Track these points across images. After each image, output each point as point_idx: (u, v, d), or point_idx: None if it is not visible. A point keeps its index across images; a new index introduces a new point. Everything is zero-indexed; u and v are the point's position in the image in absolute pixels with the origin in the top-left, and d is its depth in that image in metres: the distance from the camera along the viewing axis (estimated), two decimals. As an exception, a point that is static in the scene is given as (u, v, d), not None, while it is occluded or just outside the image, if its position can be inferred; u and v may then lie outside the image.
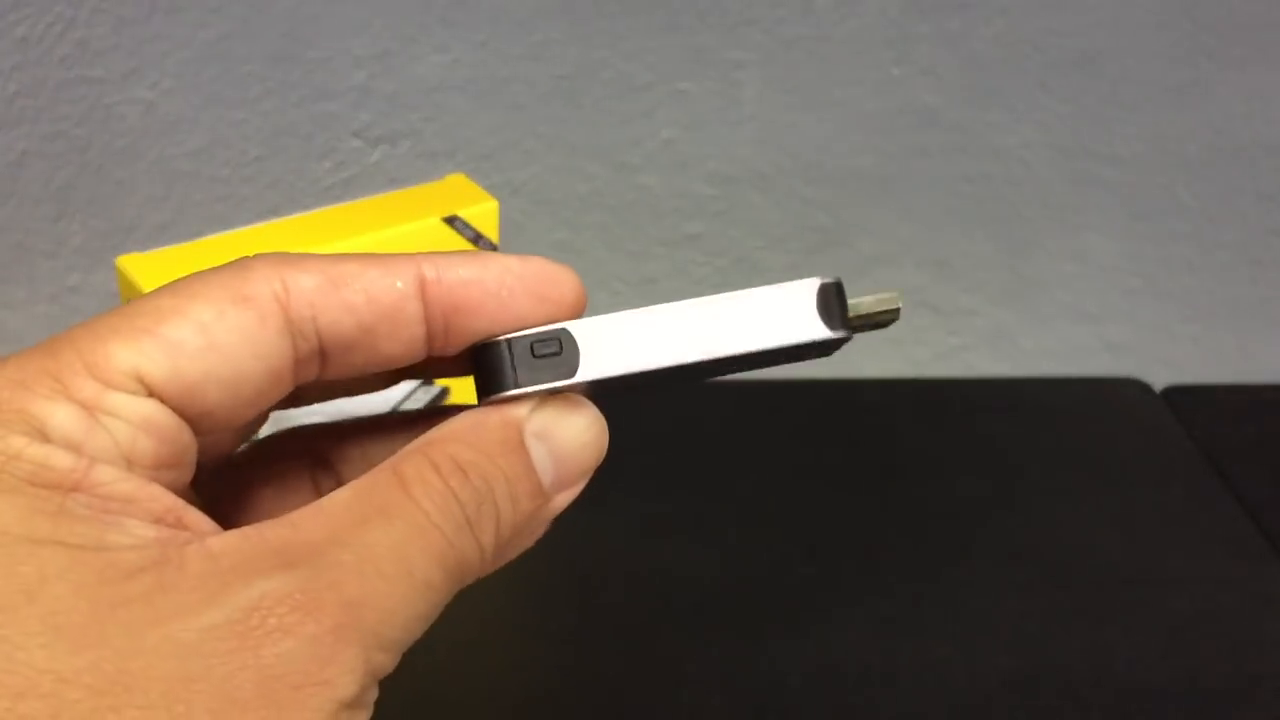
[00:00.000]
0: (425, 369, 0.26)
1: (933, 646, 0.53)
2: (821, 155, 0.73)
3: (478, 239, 0.53)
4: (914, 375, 0.78)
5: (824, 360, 0.28)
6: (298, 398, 0.26)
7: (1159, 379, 0.75)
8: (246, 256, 0.24)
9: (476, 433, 0.24)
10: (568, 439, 0.25)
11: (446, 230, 0.52)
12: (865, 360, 0.77)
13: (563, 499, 0.25)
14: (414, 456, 0.23)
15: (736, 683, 0.51)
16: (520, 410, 0.24)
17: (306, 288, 0.23)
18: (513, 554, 0.25)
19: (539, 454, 0.24)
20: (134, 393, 0.22)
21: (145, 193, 0.68)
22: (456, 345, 0.25)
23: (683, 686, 0.50)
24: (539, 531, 0.25)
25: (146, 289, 0.46)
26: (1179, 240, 0.77)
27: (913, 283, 0.77)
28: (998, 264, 0.77)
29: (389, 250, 0.53)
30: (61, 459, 0.21)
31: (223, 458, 0.27)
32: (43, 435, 0.21)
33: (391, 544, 0.22)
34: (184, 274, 0.47)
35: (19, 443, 0.20)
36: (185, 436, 0.23)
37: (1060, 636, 0.53)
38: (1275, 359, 0.80)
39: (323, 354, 0.24)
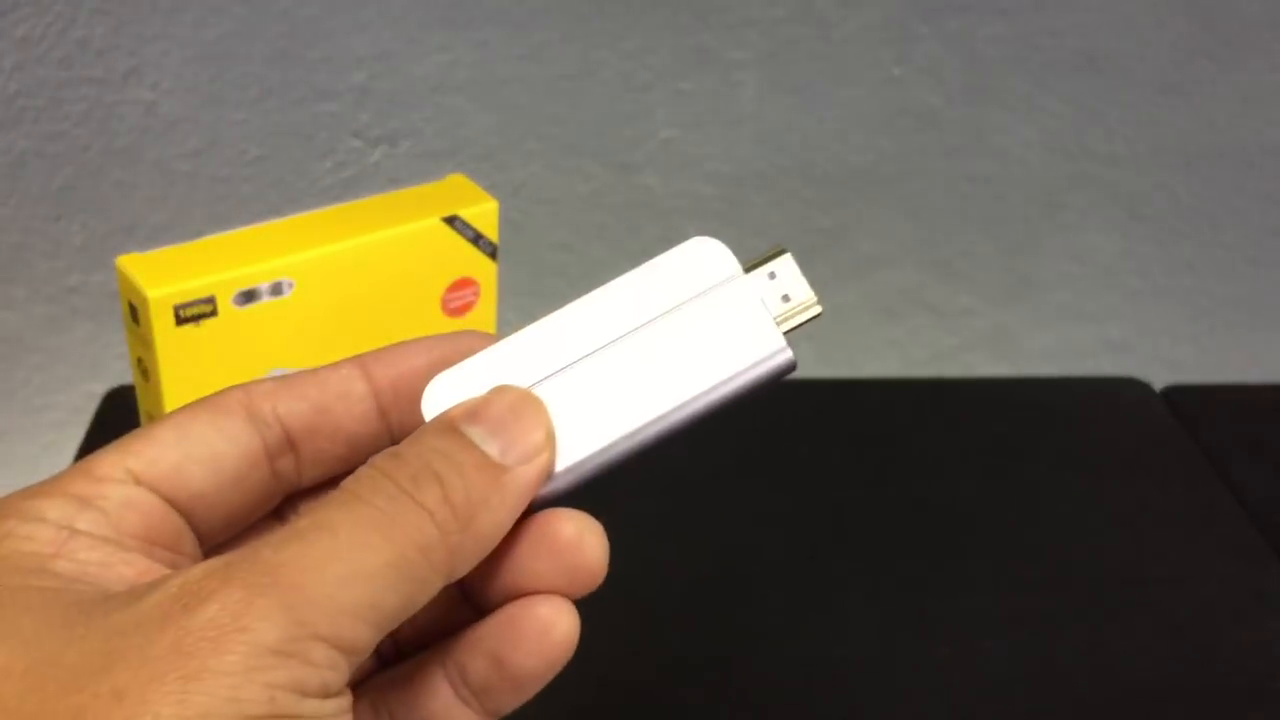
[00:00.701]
0: None
1: (932, 646, 0.53)
2: (821, 155, 0.73)
3: (478, 239, 0.53)
4: (914, 375, 0.78)
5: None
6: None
7: (1159, 379, 0.75)
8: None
9: (412, 436, 0.26)
10: (500, 410, 0.26)
11: (446, 230, 0.52)
12: (865, 360, 0.77)
13: (527, 470, 0.25)
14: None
15: (735, 682, 0.51)
16: (451, 411, 0.26)
17: (265, 388, 0.27)
18: (491, 528, 0.25)
19: (475, 433, 0.25)
20: (122, 482, 0.25)
21: (145, 193, 0.68)
22: (408, 410, 0.27)
23: (681, 685, 0.50)
24: (516, 503, 0.25)
25: (146, 289, 0.46)
26: (1179, 240, 0.77)
27: (913, 283, 0.77)
28: (998, 264, 0.77)
29: (391, 251, 0.53)
30: (45, 532, 0.24)
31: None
32: (38, 520, 0.24)
33: (313, 520, 0.23)
34: (184, 273, 0.47)
35: (10, 524, 0.24)
36: (175, 520, 0.26)
37: (1060, 636, 0.53)
38: (1275, 359, 0.80)
39: (291, 441, 0.27)
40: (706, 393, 0.27)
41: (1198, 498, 0.63)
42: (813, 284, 0.29)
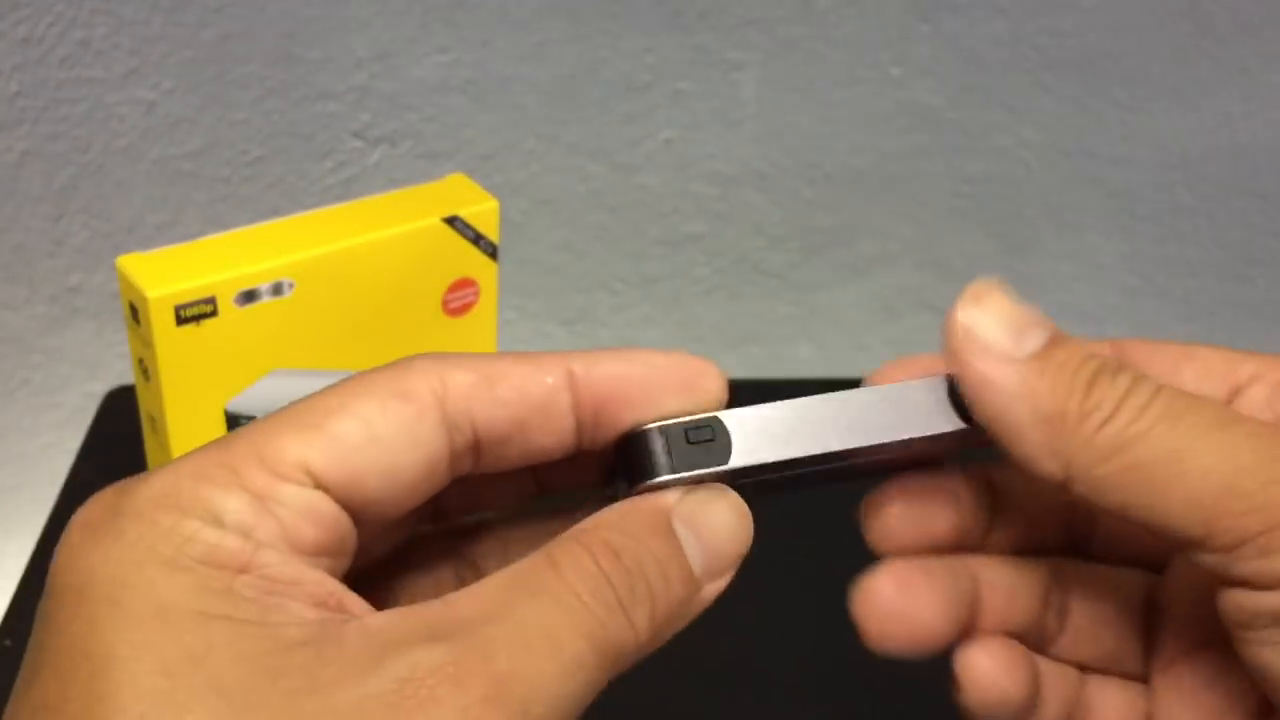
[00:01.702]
0: (571, 469, 0.28)
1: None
2: (821, 155, 0.73)
3: (478, 239, 0.53)
4: (914, 375, 0.78)
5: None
6: (444, 514, 0.29)
7: (1159, 379, 0.75)
8: (408, 356, 0.25)
9: (627, 520, 0.25)
10: (715, 526, 0.25)
11: (447, 230, 0.52)
12: (865, 360, 0.77)
13: (712, 589, 0.25)
14: (566, 543, 0.24)
15: (735, 680, 0.51)
16: (669, 498, 0.25)
17: (462, 384, 0.25)
18: (672, 634, 0.25)
19: (687, 540, 0.25)
20: (301, 483, 0.23)
21: (145, 193, 0.68)
22: (605, 437, 0.26)
23: (680, 683, 0.51)
24: (690, 617, 0.25)
25: (147, 289, 0.46)
26: (1179, 240, 0.77)
27: (913, 283, 0.77)
28: (998, 264, 0.77)
29: (391, 251, 0.53)
30: (231, 542, 0.22)
31: (375, 555, 0.28)
32: (217, 520, 0.22)
33: (541, 620, 0.22)
34: (184, 273, 0.47)
35: (193, 526, 0.22)
36: (346, 526, 0.24)
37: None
38: (1275, 359, 0.80)
39: (477, 447, 0.25)
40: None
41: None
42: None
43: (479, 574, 0.28)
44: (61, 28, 0.63)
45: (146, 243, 0.67)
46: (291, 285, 0.49)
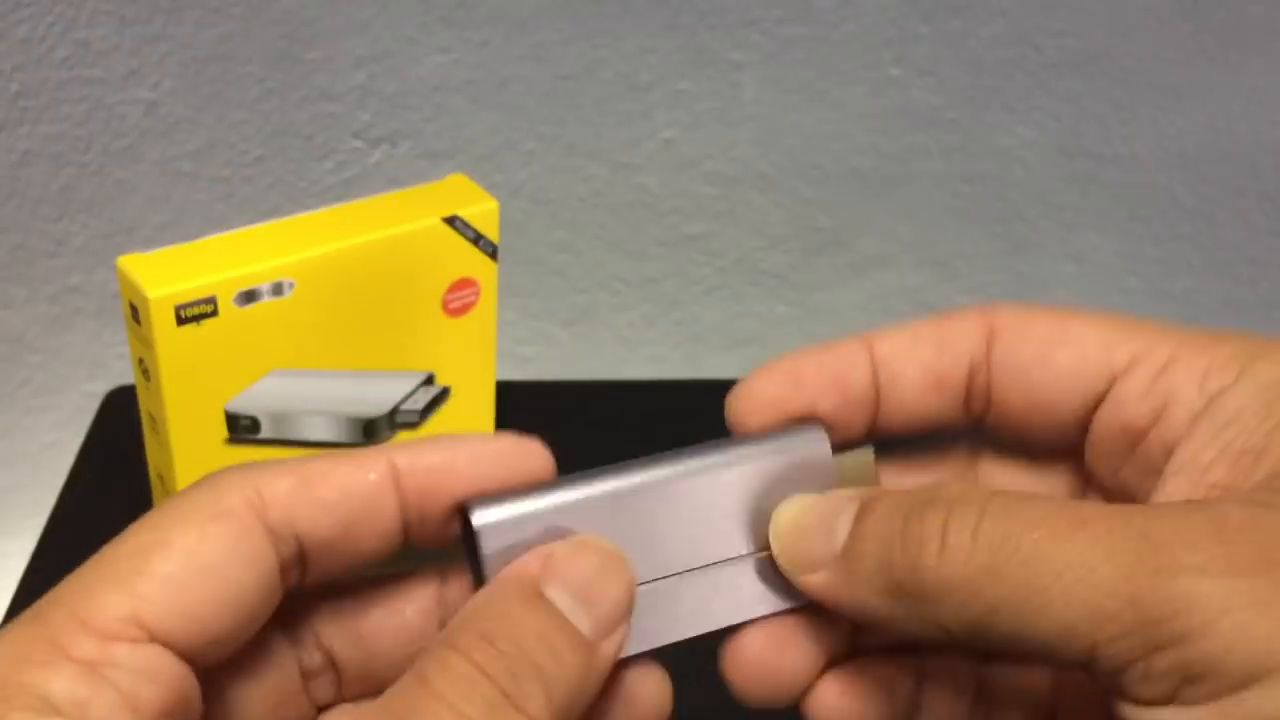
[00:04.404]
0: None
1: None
2: (821, 155, 0.73)
3: (478, 239, 0.53)
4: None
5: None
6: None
7: (1159, 379, 0.75)
8: (214, 472, 0.23)
9: (493, 602, 0.23)
10: (585, 571, 0.23)
11: (447, 230, 0.52)
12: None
13: (610, 645, 0.23)
14: (434, 650, 0.22)
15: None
16: (530, 566, 0.24)
17: (280, 491, 0.23)
18: (579, 714, 0.23)
19: (563, 601, 0.23)
20: (135, 639, 0.21)
21: (146, 193, 0.68)
22: (432, 533, 0.25)
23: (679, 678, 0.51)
24: (596, 686, 0.23)
25: (147, 289, 0.46)
26: (1179, 240, 0.77)
27: (912, 283, 0.77)
28: (998, 264, 0.77)
29: (391, 251, 0.53)
30: None
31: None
32: (47, 705, 0.20)
33: None
34: (184, 273, 0.47)
35: (15, 717, 0.20)
36: (189, 680, 0.22)
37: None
38: (1275, 359, 0.80)
39: (303, 557, 0.24)
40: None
41: (1197, 497, 0.63)
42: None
43: (327, 654, 0.26)
44: (61, 28, 0.63)
45: (146, 243, 0.67)
46: (292, 285, 0.49)
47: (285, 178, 0.69)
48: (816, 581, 0.24)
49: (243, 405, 0.51)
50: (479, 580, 0.24)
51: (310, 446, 0.53)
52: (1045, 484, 0.28)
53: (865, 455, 0.27)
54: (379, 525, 0.24)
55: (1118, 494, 0.26)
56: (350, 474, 0.24)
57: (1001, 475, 0.28)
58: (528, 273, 0.74)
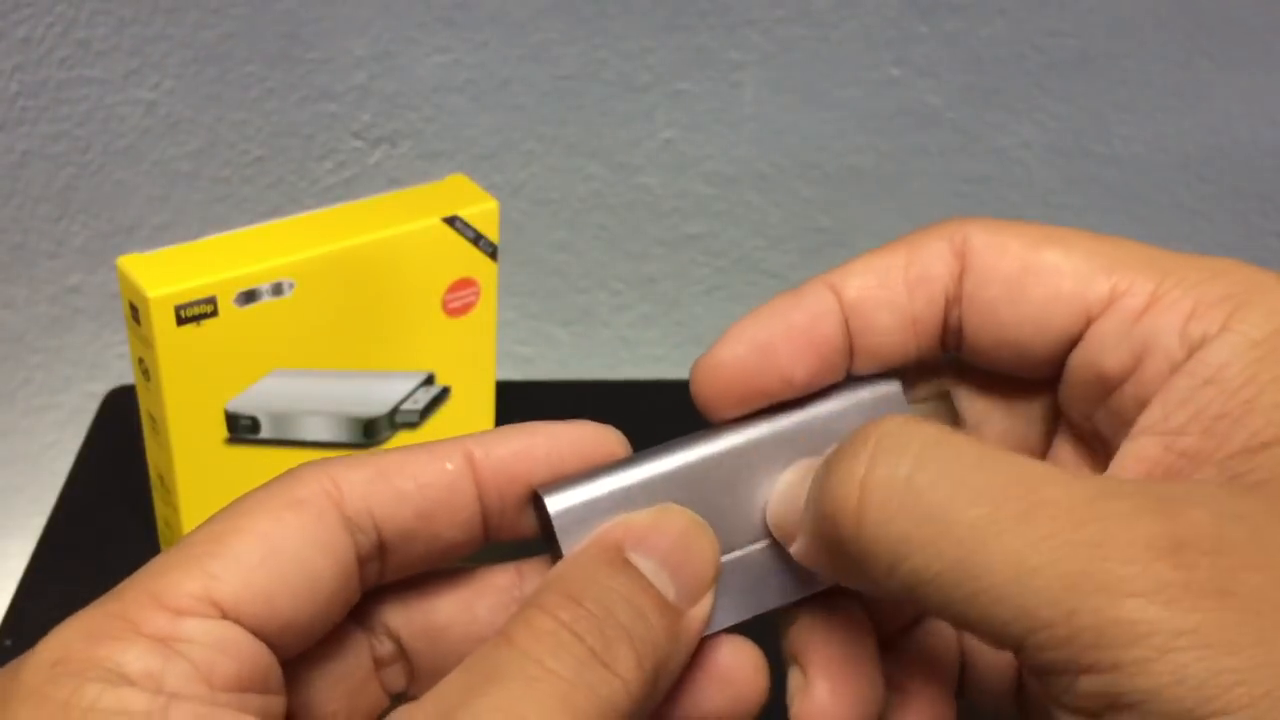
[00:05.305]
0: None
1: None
2: (821, 155, 0.73)
3: (478, 239, 0.53)
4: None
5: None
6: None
7: (1159, 379, 0.75)
8: (292, 468, 0.24)
9: (577, 566, 0.23)
10: (670, 538, 0.23)
11: (447, 230, 0.52)
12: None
13: (698, 613, 0.23)
14: (521, 612, 0.22)
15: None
16: (613, 532, 0.23)
17: (357, 481, 0.23)
18: (668, 681, 0.23)
19: (649, 568, 0.23)
20: (206, 615, 0.21)
21: (146, 193, 0.68)
22: (512, 518, 0.25)
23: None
24: (685, 654, 0.23)
25: (147, 289, 0.46)
26: (1179, 240, 0.77)
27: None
28: (998, 264, 0.77)
29: (391, 251, 0.53)
30: (137, 701, 0.20)
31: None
32: (120, 677, 0.20)
33: (499, 706, 0.20)
34: (184, 274, 0.47)
35: (94, 691, 0.20)
36: (265, 658, 0.22)
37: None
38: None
39: (383, 548, 0.24)
40: None
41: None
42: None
43: (398, 643, 0.26)
44: (61, 28, 0.63)
45: (146, 243, 0.68)
46: (291, 285, 0.50)
47: (285, 178, 0.69)
48: (796, 550, 0.24)
49: (243, 405, 0.51)
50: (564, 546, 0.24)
51: (310, 447, 0.53)
52: (1021, 419, 0.27)
53: (945, 404, 0.26)
54: (458, 515, 0.24)
55: (1091, 438, 0.25)
56: (427, 464, 0.24)
57: (978, 406, 0.27)
58: (528, 273, 0.74)
